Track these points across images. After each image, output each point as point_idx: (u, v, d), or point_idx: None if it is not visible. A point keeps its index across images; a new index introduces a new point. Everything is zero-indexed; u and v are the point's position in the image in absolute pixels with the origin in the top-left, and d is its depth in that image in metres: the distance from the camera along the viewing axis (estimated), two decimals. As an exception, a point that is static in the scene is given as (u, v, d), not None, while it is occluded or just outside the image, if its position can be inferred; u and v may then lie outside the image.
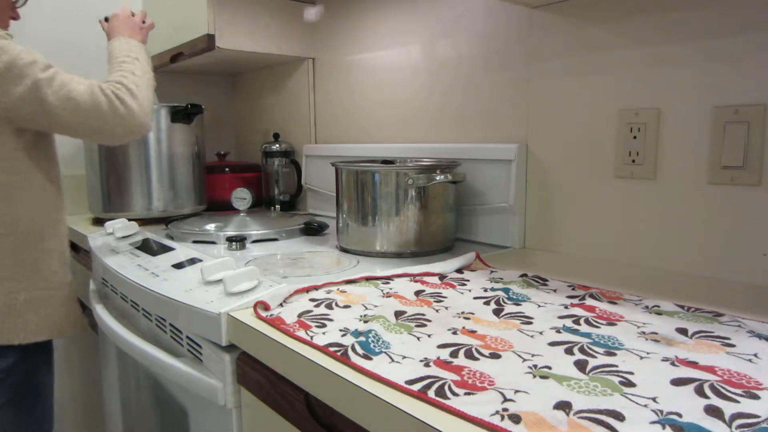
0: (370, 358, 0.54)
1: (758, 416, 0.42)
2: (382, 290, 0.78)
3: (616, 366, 0.51)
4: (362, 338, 0.59)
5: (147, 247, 1.12)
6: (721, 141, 0.81)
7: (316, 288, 0.79)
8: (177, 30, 1.56)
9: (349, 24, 1.50)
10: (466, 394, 0.46)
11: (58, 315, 1.12)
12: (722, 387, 0.46)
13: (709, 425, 0.40)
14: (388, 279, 0.84)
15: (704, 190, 0.84)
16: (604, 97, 0.95)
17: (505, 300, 0.73)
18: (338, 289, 0.78)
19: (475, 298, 0.74)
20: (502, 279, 0.84)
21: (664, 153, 0.88)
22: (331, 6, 1.56)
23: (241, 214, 1.35)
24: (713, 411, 0.42)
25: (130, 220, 1.28)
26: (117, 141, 1.06)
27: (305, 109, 1.68)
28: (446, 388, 0.47)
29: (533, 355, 0.54)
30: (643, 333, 0.60)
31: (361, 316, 0.67)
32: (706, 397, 0.45)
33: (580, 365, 0.51)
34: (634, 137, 0.91)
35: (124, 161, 1.41)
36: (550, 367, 0.51)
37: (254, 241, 1.17)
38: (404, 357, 0.54)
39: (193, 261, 0.96)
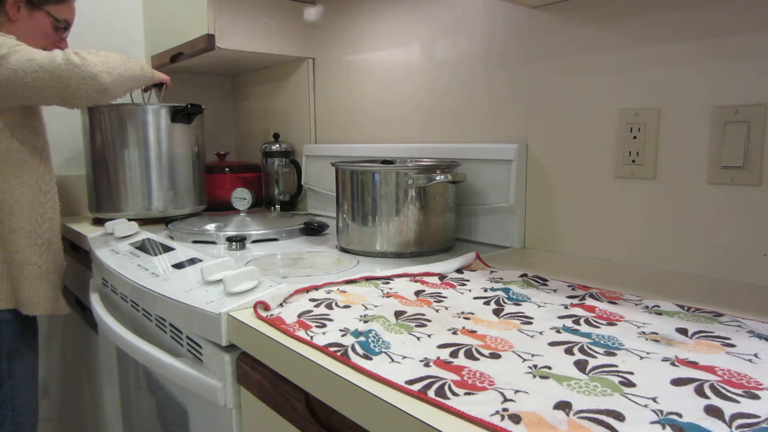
0: (370, 358, 0.54)
1: (758, 416, 0.42)
2: (382, 290, 0.78)
3: (616, 366, 0.51)
4: (362, 338, 0.59)
5: (147, 247, 1.12)
6: (721, 141, 0.81)
7: (316, 288, 0.79)
8: (177, 30, 1.56)
9: (349, 24, 1.50)
10: (466, 394, 0.46)
11: (14, 290, 1.20)
12: (722, 387, 0.46)
13: (709, 425, 0.40)
14: (388, 279, 0.84)
15: (704, 190, 0.84)
16: (604, 97, 0.95)
17: (505, 300, 0.73)
18: (338, 289, 0.78)
19: (475, 298, 0.74)
20: (502, 279, 0.84)
21: (664, 153, 0.88)
22: (331, 6, 1.56)
23: (241, 214, 1.35)
24: (713, 411, 0.42)
25: (130, 220, 1.28)
26: (74, 94, 1.11)
27: (305, 109, 1.68)
28: (446, 388, 0.47)
29: (533, 355, 0.54)
30: (643, 333, 0.60)
31: (361, 316, 0.67)
32: (706, 397, 0.45)
33: (580, 365, 0.51)
34: (634, 137, 0.91)
35: (124, 161, 1.41)
36: (550, 367, 0.51)
37: (254, 241, 1.17)
38: (404, 357, 0.54)
39: (193, 261, 0.96)
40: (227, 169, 1.70)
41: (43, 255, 1.22)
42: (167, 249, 1.08)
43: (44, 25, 1.24)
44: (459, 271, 0.90)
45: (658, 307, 0.69)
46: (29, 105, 1.18)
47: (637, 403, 0.44)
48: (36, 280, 1.21)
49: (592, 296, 0.74)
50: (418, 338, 0.59)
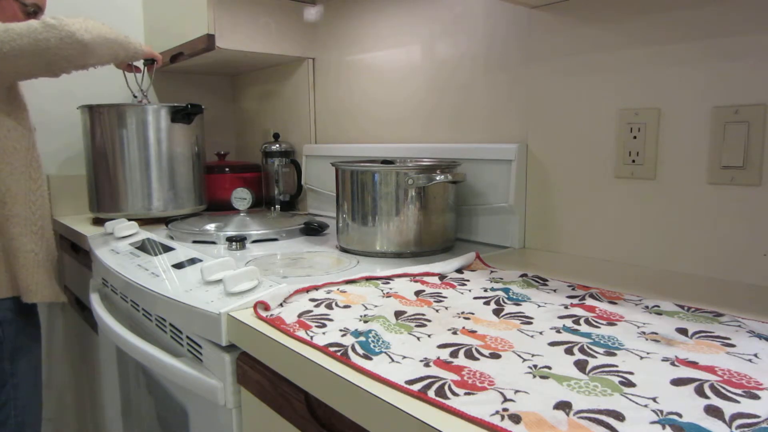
0: (370, 358, 0.54)
1: (758, 416, 0.42)
2: (382, 290, 0.78)
3: (616, 366, 0.51)
4: (362, 338, 0.59)
5: (147, 247, 1.12)
6: (721, 141, 0.81)
7: (316, 288, 0.79)
8: (177, 30, 1.56)
9: (349, 24, 1.50)
10: (466, 394, 0.46)
11: (13, 278, 1.20)
12: (722, 387, 0.46)
13: (709, 425, 0.40)
14: (388, 279, 0.84)
15: (704, 190, 0.84)
16: (604, 97, 0.95)
17: (505, 300, 0.73)
18: (338, 289, 0.78)
19: (475, 298, 0.74)
20: (502, 279, 0.84)
21: (664, 153, 0.88)
22: (331, 6, 1.56)
23: (241, 214, 1.35)
24: (713, 411, 0.42)
25: (130, 220, 1.28)
26: (56, 55, 1.10)
27: (305, 109, 1.68)
28: (446, 388, 0.47)
29: (533, 355, 0.54)
30: (643, 333, 0.60)
31: (361, 316, 0.67)
32: (706, 397, 0.45)
33: (580, 365, 0.51)
34: (634, 137, 0.91)
35: (124, 161, 1.41)
36: (550, 367, 0.51)
37: (254, 241, 1.17)
38: (404, 357, 0.54)
39: (193, 261, 0.96)
40: (227, 169, 1.70)
41: (38, 242, 1.22)
42: (167, 249, 1.08)
43: (13, 12, 1.23)
44: (459, 271, 0.90)
45: (658, 307, 0.69)
46: (13, 86, 1.17)
47: (637, 403, 0.44)
48: (32, 268, 1.21)
49: (592, 296, 0.74)
50: (418, 338, 0.59)
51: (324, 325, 0.64)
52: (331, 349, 0.57)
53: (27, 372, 1.25)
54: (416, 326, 0.63)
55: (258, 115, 1.94)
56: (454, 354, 0.55)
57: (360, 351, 0.56)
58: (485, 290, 0.78)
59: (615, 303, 0.71)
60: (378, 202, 1.00)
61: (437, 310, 0.69)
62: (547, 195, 1.05)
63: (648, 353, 0.54)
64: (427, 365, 0.52)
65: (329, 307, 0.70)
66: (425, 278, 0.85)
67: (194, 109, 1.45)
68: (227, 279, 0.76)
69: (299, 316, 0.67)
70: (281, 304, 0.73)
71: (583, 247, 1.00)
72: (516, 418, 0.42)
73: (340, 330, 0.62)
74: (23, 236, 1.20)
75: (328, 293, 0.77)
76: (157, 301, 0.85)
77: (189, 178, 1.49)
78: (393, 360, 0.53)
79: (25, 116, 1.24)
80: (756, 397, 0.45)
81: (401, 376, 0.50)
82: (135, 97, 1.51)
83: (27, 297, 1.21)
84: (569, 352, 0.55)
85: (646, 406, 0.43)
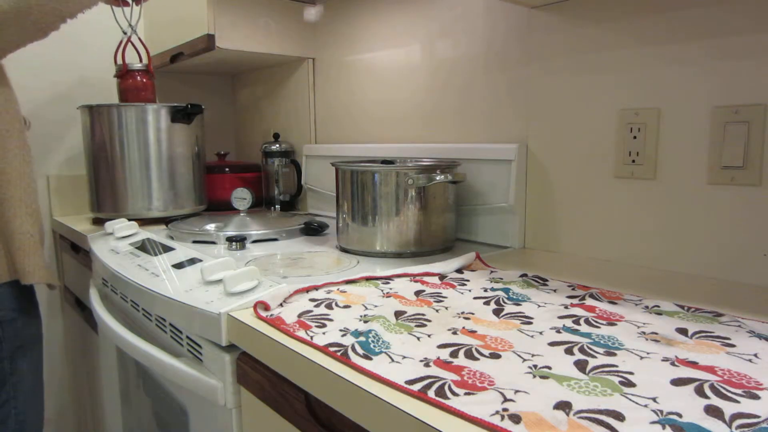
0: (370, 358, 0.54)
1: (758, 416, 0.42)
2: (382, 290, 0.78)
3: (616, 366, 0.51)
4: (362, 338, 0.59)
5: (147, 247, 1.12)
6: (721, 141, 0.81)
7: (316, 288, 0.79)
8: (177, 30, 1.56)
9: (349, 24, 1.50)
10: (466, 394, 0.46)
11: (11, 261, 1.18)
12: (722, 387, 0.46)
13: (709, 425, 0.40)
14: (388, 279, 0.84)
15: (704, 190, 0.84)
16: (604, 97, 0.95)
17: (505, 300, 0.73)
18: (338, 289, 0.78)
19: (475, 298, 0.74)
20: (502, 279, 0.84)
21: (664, 153, 0.88)
22: (331, 6, 1.56)
23: (241, 214, 1.35)
24: (713, 411, 0.42)
25: (130, 220, 1.27)
26: (39, 13, 1.07)
27: (305, 109, 1.68)
28: (446, 388, 0.47)
29: (533, 355, 0.54)
30: (643, 333, 0.60)
31: (361, 316, 0.67)
32: (706, 397, 0.45)
33: (580, 365, 0.51)
34: (634, 137, 0.91)
35: (124, 161, 1.41)
36: (550, 367, 0.51)
37: (254, 241, 1.17)
38: (404, 357, 0.54)
39: (193, 261, 0.96)
40: (227, 169, 1.70)
41: (33, 224, 1.22)
42: (167, 249, 1.08)
43: None
44: (459, 271, 0.90)
45: (658, 307, 0.69)
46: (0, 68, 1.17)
47: (637, 403, 0.44)
48: (30, 249, 1.20)
49: (592, 296, 0.74)
50: (418, 338, 0.59)
51: (324, 325, 0.64)
52: (331, 349, 0.57)
53: (27, 371, 1.24)
54: (416, 326, 0.63)
55: (258, 115, 1.94)
56: (454, 354, 0.55)
57: (360, 351, 0.56)
58: (485, 290, 0.78)
59: (615, 303, 0.71)
60: (378, 202, 1.00)
61: (437, 310, 0.69)
62: (547, 195, 1.05)
63: (648, 353, 0.54)
64: (427, 365, 0.52)
65: (329, 307, 0.70)
66: (425, 278, 0.85)
67: (194, 109, 1.45)
68: (227, 279, 0.76)
69: (299, 316, 0.67)
70: (281, 304, 0.73)
71: (583, 247, 1.00)
72: (516, 418, 0.42)
73: (340, 330, 0.62)
74: (18, 218, 1.19)
75: (328, 293, 0.77)
76: (157, 301, 0.85)
77: (189, 178, 1.49)
78: (393, 360, 0.53)
79: (14, 99, 1.22)
80: (756, 397, 0.45)
81: (401, 376, 0.50)
82: (124, 33, 1.49)
83: (25, 279, 1.20)
84: (569, 352, 0.55)
85: (646, 406, 0.43)
